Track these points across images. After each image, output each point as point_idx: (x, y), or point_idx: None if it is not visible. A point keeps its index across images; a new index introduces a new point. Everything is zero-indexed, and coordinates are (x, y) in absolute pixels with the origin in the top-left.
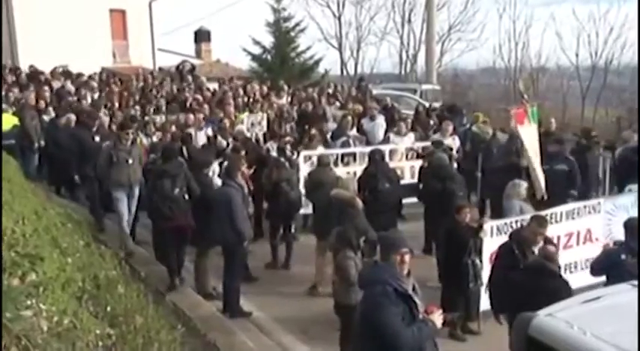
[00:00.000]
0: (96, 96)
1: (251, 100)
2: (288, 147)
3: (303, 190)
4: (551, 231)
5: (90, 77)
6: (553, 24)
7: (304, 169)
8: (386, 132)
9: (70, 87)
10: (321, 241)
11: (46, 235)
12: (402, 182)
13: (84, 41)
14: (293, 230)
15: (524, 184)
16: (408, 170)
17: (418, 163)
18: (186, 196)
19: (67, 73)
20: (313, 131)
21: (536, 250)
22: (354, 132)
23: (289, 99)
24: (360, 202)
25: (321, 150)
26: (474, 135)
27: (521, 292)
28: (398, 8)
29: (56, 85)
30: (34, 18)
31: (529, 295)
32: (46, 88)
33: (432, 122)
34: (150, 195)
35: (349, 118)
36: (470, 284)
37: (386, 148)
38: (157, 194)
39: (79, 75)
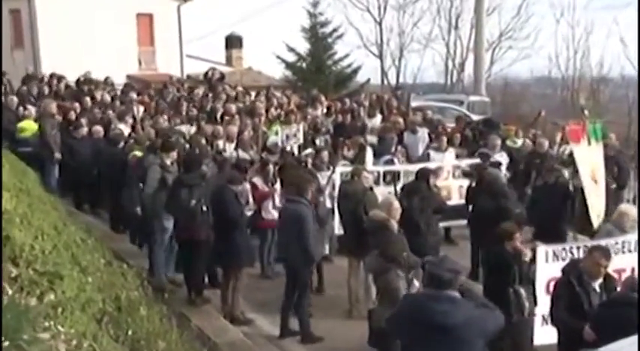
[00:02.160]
0: (140, 110)
1: (284, 111)
2: (325, 160)
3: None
4: (622, 262)
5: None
6: (617, 29)
7: (339, 184)
8: (428, 147)
9: (107, 97)
10: (353, 260)
11: (66, 252)
12: (450, 203)
13: (108, 47)
14: (327, 251)
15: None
16: (456, 190)
17: (466, 182)
18: (204, 208)
19: (108, 83)
20: (348, 149)
21: (596, 285)
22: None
23: (325, 110)
24: (395, 225)
25: (367, 166)
26: (511, 150)
27: (609, 331)
28: (444, 13)
29: (99, 96)
30: (58, 23)
31: (620, 333)
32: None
33: (469, 137)
34: (167, 205)
35: (394, 135)
36: (514, 315)
37: (431, 166)
38: (173, 204)
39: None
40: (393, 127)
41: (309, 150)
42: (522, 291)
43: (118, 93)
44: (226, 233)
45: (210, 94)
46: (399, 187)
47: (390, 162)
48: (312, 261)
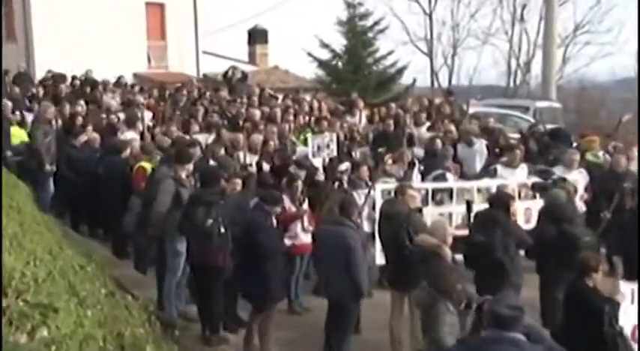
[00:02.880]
0: (148, 115)
1: (314, 117)
2: (364, 176)
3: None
4: None
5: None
6: None
7: (380, 203)
8: (490, 163)
9: (114, 101)
10: (396, 294)
11: (62, 281)
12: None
13: (112, 42)
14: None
15: None
16: (522, 214)
17: (536, 204)
18: (222, 230)
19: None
20: (389, 160)
21: None
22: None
23: (363, 116)
24: (448, 252)
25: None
26: (590, 165)
27: None
28: (507, 3)
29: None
30: (55, 13)
31: None
32: (82, 102)
33: (534, 150)
34: (181, 224)
35: (449, 148)
36: None
37: (492, 184)
38: (187, 224)
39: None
40: (444, 138)
41: (345, 164)
42: (620, 340)
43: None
44: (257, 263)
45: (233, 98)
46: (453, 209)
47: (441, 178)
48: (362, 295)
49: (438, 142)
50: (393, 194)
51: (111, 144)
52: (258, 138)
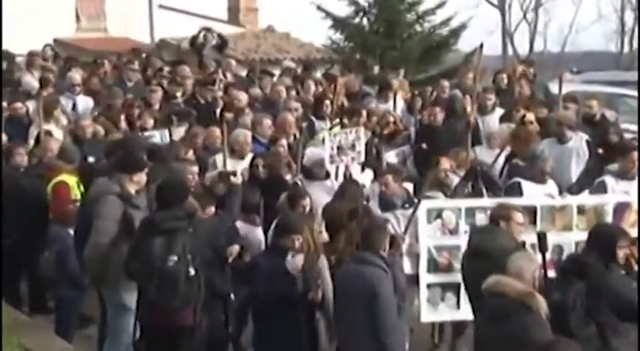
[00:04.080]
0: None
1: (331, 104)
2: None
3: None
4: None
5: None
6: None
7: (427, 231)
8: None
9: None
10: None
11: None
12: None
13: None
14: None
15: None
16: None
17: None
18: (192, 272)
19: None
20: (445, 164)
21: None
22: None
23: (401, 101)
24: (542, 303)
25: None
26: None
27: None
28: None
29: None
30: None
31: None
32: None
33: None
34: (129, 263)
35: (530, 143)
36: None
37: (601, 201)
38: (138, 263)
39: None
40: (526, 132)
41: (367, 174)
42: None
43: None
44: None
45: (206, 75)
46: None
47: (516, 191)
48: None
49: (519, 137)
50: (489, 220)
51: (7, 148)
52: (244, 135)
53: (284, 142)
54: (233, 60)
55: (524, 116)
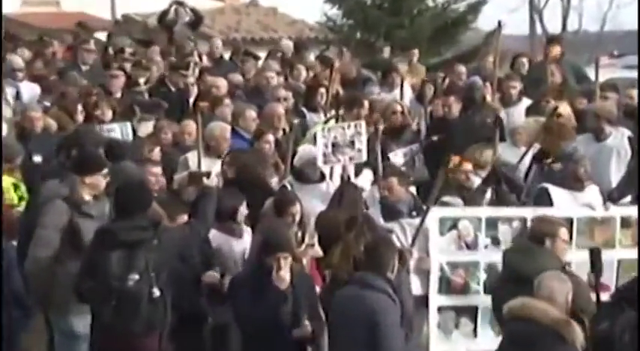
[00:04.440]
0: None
1: (326, 92)
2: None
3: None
4: None
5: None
6: None
7: (439, 245)
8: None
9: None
10: None
11: None
12: None
13: None
14: None
15: None
16: None
17: None
18: (157, 292)
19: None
20: (464, 164)
21: None
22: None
23: (409, 89)
24: (577, 332)
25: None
26: None
27: None
28: None
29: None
30: None
31: None
32: None
33: None
34: (80, 284)
35: (575, 146)
36: None
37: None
38: (91, 282)
39: None
40: (558, 127)
41: (365, 175)
42: None
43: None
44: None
45: (178, 58)
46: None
47: (544, 199)
48: None
49: (553, 133)
50: (531, 237)
51: None
52: (220, 128)
53: (270, 137)
54: (218, 39)
55: (556, 108)
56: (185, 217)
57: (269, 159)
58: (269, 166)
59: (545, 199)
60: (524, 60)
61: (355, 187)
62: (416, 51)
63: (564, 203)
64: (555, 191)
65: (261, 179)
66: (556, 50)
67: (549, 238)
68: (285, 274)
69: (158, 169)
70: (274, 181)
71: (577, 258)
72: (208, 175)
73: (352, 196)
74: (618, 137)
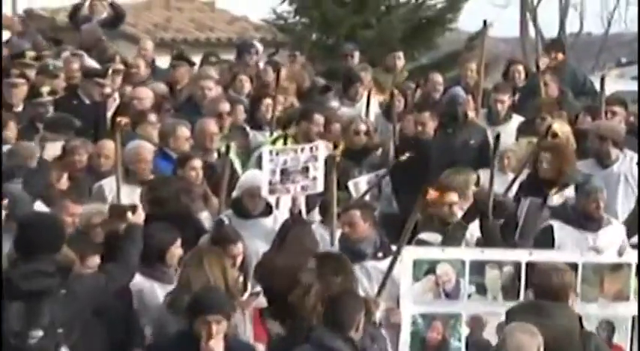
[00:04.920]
0: None
1: (273, 105)
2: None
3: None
4: None
5: None
6: None
7: (412, 293)
8: None
9: None
10: None
11: None
12: None
13: None
14: None
15: None
16: None
17: None
18: None
19: None
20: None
21: None
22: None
23: (376, 101)
24: None
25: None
26: None
27: None
28: None
29: None
30: None
31: None
32: None
33: None
34: None
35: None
36: None
37: None
38: None
39: None
40: (553, 149)
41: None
42: None
43: None
44: None
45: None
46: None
47: (547, 240)
48: None
49: (545, 157)
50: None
51: None
52: (141, 149)
53: (196, 163)
54: (148, 40)
55: (550, 126)
56: (97, 259)
57: (196, 188)
58: (196, 198)
59: (549, 240)
60: (520, 68)
61: (305, 223)
62: (399, 54)
63: (569, 245)
64: (563, 230)
65: (185, 214)
66: (558, 58)
67: (572, 291)
68: (218, 343)
69: (77, 208)
70: (204, 216)
71: (583, 312)
72: (134, 209)
73: (303, 234)
74: (626, 162)
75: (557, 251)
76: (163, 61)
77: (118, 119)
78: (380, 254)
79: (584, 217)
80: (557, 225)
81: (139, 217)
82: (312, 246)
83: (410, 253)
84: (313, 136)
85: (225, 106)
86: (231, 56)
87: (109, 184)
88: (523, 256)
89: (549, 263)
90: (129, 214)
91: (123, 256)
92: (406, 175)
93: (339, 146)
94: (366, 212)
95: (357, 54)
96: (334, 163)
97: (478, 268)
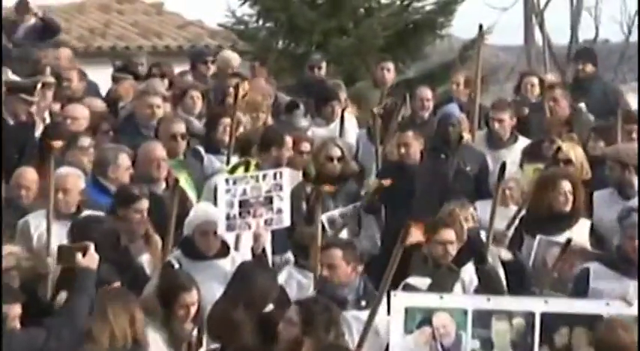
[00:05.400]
0: None
1: (231, 126)
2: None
3: None
4: None
5: None
6: None
7: (403, 347)
8: None
9: None
10: None
11: None
12: None
13: None
14: None
15: None
16: None
17: None
18: None
19: None
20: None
21: None
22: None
23: (353, 121)
24: None
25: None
26: None
27: None
28: None
29: None
30: None
31: None
32: None
33: None
34: None
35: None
36: None
37: None
38: None
39: None
40: (555, 178)
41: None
42: None
43: None
44: None
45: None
46: None
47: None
48: None
49: (564, 185)
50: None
51: None
52: (70, 177)
53: (143, 205)
54: (64, 48)
55: (558, 148)
56: (18, 309)
57: (138, 228)
58: (136, 238)
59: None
60: (534, 80)
61: (267, 265)
62: (389, 63)
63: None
64: (602, 274)
65: (124, 258)
66: (586, 69)
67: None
68: None
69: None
70: (144, 259)
71: None
72: (85, 250)
73: (264, 279)
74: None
75: (579, 300)
76: (100, 74)
77: (51, 143)
78: (363, 302)
79: (623, 260)
80: (595, 268)
81: (91, 259)
82: (270, 290)
83: (401, 300)
84: (283, 163)
85: (181, 127)
86: (182, 67)
87: (34, 220)
88: (537, 305)
89: (615, 316)
90: (79, 257)
91: (68, 308)
92: (390, 206)
93: (308, 173)
94: (349, 252)
95: (324, 65)
96: (305, 193)
97: (483, 319)
